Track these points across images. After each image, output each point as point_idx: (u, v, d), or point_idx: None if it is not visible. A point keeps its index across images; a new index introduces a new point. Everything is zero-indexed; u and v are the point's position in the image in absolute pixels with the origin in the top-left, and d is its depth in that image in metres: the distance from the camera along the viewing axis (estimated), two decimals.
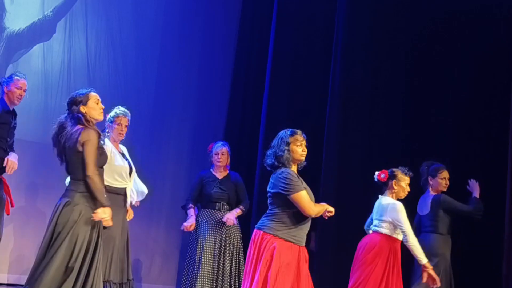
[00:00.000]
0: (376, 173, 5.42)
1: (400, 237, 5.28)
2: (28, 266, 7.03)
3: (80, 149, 4.21)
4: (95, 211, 4.19)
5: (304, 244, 4.38)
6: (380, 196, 5.42)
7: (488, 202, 5.98)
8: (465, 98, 6.97)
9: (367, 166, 5.94)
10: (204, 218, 6.35)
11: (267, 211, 4.41)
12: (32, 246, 7.17)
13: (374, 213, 5.41)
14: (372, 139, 7.19)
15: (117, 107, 5.58)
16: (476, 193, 5.98)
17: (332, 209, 4.48)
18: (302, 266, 4.33)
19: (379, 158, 6.49)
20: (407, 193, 5.37)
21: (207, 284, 6.14)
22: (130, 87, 8.00)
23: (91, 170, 4.20)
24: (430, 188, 6.01)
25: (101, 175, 4.36)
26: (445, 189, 5.98)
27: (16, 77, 5.45)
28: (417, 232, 5.90)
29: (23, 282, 6.94)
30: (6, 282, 7.09)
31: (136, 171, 5.61)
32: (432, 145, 7.06)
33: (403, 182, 5.33)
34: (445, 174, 5.99)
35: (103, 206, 4.23)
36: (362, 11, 7.28)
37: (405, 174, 5.35)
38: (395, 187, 5.33)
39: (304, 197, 4.30)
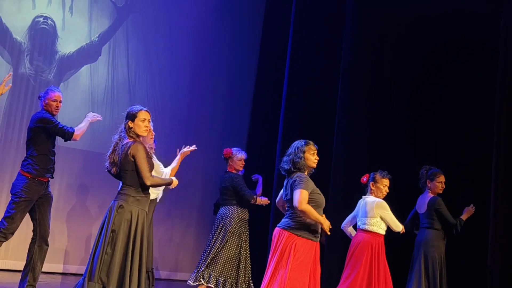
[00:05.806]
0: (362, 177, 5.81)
1: (383, 232, 5.62)
2: (81, 258, 7.81)
3: (131, 159, 4.42)
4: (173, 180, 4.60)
5: (319, 240, 4.66)
6: (363, 196, 5.78)
7: (475, 203, 6.31)
8: (457, 109, 7.45)
9: (372, 171, 6.05)
10: (246, 217, 6.52)
11: (288, 213, 4.65)
12: (83, 240, 7.86)
13: (360, 212, 5.72)
14: (377, 147, 7.57)
15: None
16: (464, 216, 6.19)
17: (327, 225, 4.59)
18: (317, 261, 4.64)
19: (382, 163, 6.59)
20: (385, 193, 5.69)
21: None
22: (166, 103, 8.63)
23: (147, 178, 4.40)
24: (428, 190, 6.26)
25: None
26: (441, 191, 6.23)
27: (51, 91, 5.51)
28: (413, 227, 6.39)
29: (75, 272, 7.65)
30: (61, 271, 7.67)
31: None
32: (431, 150, 7.51)
33: (380, 184, 5.67)
34: (442, 178, 6.25)
35: (171, 182, 4.62)
36: (366, 24, 7.72)
37: (383, 176, 5.70)
38: (372, 188, 5.69)
39: (303, 195, 4.47)
